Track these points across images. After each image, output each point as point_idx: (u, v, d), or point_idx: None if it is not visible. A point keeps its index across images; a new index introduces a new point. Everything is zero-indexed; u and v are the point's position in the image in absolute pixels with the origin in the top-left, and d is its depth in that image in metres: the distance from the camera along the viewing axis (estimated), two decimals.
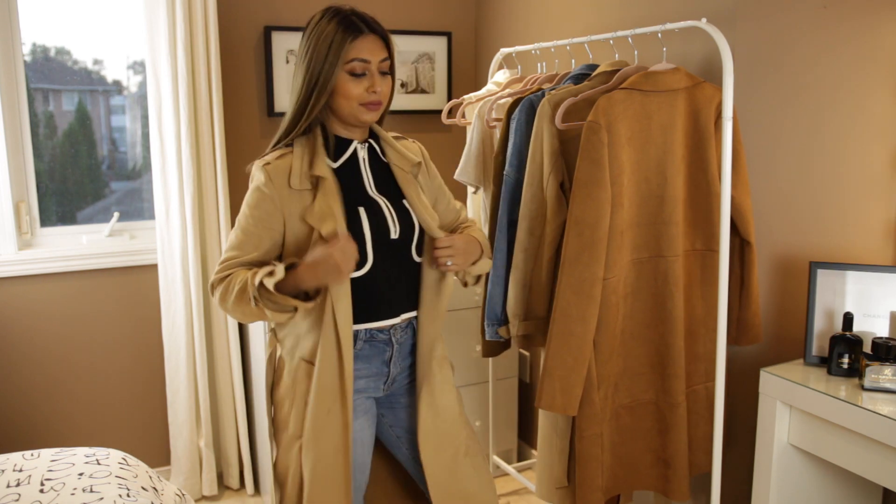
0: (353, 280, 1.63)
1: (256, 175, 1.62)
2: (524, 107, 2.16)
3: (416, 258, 1.73)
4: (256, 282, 1.54)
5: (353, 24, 1.59)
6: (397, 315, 1.72)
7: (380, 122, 1.76)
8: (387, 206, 1.69)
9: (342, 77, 1.59)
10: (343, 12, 1.61)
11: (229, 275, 1.61)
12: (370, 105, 1.63)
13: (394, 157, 1.73)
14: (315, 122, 1.65)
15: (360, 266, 1.63)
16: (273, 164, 1.61)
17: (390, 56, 1.64)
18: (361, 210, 1.65)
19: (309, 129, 1.65)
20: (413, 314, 1.75)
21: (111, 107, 2.93)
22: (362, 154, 1.71)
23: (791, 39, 2.09)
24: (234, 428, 2.92)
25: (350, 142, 1.70)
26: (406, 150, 1.75)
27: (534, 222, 2.10)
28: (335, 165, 1.67)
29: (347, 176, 1.68)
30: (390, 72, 1.66)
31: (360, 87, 1.60)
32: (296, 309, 1.59)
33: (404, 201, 1.72)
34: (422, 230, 1.72)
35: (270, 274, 1.54)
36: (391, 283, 1.70)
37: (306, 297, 1.60)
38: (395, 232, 1.68)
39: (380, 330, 1.70)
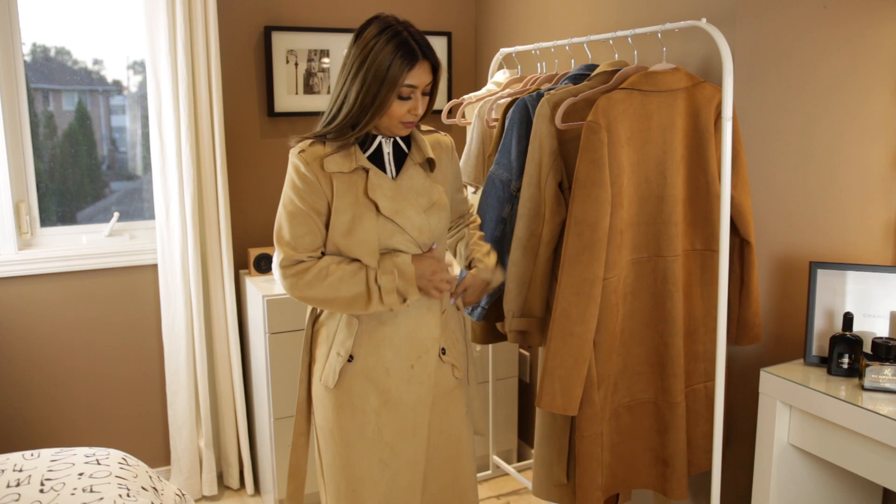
0: None
1: (293, 163, 1.72)
2: (518, 107, 2.18)
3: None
4: (385, 270, 1.69)
5: (410, 52, 1.64)
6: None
7: None
8: None
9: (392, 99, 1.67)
10: (400, 35, 1.64)
11: (303, 261, 1.71)
12: (407, 124, 1.73)
13: (413, 150, 1.81)
14: None
15: None
16: (307, 150, 1.72)
17: (435, 80, 1.72)
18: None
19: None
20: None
21: (111, 107, 2.93)
22: (387, 149, 1.79)
23: (791, 39, 2.09)
24: (234, 428, 2.92)
25: (376, 136, 1.78)
26: (426, 144, 1.82)
27: (532, 221, 2.10)
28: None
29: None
30: (431, 92, 1.75)
31: (403, 109, 1.69)
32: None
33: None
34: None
35: (397, 267, 1.70)
36: None
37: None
38: None
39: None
